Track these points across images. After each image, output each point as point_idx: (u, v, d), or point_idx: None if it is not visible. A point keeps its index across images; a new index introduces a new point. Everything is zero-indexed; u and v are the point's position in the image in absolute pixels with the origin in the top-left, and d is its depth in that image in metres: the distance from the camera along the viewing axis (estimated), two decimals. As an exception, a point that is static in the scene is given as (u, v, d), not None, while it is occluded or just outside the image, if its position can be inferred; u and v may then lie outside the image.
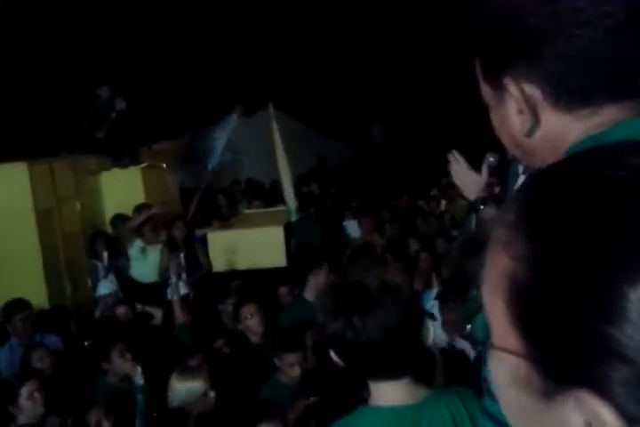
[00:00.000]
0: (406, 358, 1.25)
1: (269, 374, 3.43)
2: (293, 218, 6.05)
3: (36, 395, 3.20)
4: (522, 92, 0.86)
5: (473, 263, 1.71)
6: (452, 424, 1.24)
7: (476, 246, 1.73)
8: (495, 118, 0.95)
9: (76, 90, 6.76)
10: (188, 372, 2.99)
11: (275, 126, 6.38)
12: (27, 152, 5.83)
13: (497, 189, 2.43)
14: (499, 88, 0.90)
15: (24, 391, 3.18)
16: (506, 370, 0.44)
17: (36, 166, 5.48)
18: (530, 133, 0.89)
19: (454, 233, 5.98)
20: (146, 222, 5.61)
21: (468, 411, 1.25)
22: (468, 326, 0.78)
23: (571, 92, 0.84)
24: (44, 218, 5.41)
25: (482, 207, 2.37)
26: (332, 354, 1.28)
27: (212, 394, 2.90)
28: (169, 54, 8.64)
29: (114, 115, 6.38)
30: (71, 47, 7.45)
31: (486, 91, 0.94)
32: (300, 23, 9.51)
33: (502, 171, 2.53)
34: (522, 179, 2.29)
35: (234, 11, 8.91)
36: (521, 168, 2.39)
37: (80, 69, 7.22)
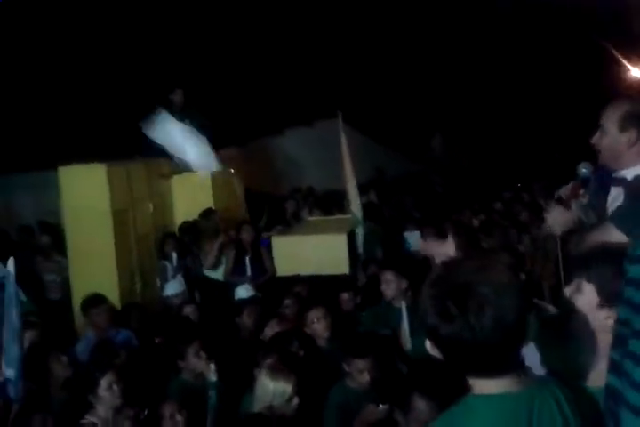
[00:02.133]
0: (517, 354, 1.28)
1: (335, 379, 3.45)
2: (360, 227, 6.02)
3: (115, 387, 3.32)
4: None
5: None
6: (558, 412, 1.27)
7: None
8: None
9: (152, 95, 7.01)
10: (280, 372, 3.00)
11: (343, 136, 6.41)
12: (105, 154, 6.08)
13: (582, 193, 2.42)
14: None
15: (103, 382, 3.30)
16: None
17: (114, 168, 5.69)
18: None
19: (520, 248, 5.89)
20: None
21: (566, 398, 1.29)
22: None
23: None
24: (120, 218, 5.60)
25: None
26: (433, 349, 1.29)
27: (295, 401, 2.91)
28: (238, 62, 8.86)
29: (192, 123, 6.55)
30: (147, 54, 7.75)
31: None
32: (361, 36, 9.60)
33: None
34: (615, 191, 2.26)
35: (301, 22, 9.07)
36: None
37: (155, 75, 7.49)
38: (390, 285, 4.05)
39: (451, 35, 9.83)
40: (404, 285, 3.97)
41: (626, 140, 2.17)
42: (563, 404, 1.28)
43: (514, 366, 1.27)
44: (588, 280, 1.57)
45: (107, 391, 3.32)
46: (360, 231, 5.99)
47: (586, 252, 1.72)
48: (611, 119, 2.19)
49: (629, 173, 2.19)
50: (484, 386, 1.27)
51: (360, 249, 5.90)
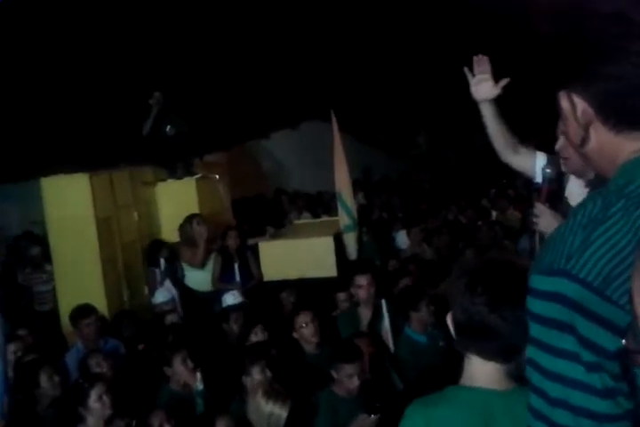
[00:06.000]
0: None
1: (323, 384, 3.44)
2: (352, 233, 5.86)
3: (105, 398, 3.32)
4: (573, 106, 0.91)
5: None
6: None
7: None
8: (563, 123, 0.99)
9: (132, 103, 6.99)
10: (276, 395, 2.92)
11: (337, 136, 6.25)
12: (88, 164, 6.06)
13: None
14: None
15: (93, 394, 3.30)
16: None
17: (97, 177, 5.67)
18: (582, 145, 0.94)
19: (507, 243, 5.93)
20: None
21: None
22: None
23: (618, 115, 0.89)
24: (104, 226, 5.58)
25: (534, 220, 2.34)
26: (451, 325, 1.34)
27: (284, 414, 2.85)
28: (222, 66, 8.84)
29: (172, 130, 6.51)
30: (127, 61, 7.72)
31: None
32: (344, 37, 9.61)
33: (560, 181, 2.48)
34: (584, 192, 2.24)
35: (284, 25, 9.07)
36: (579, 182, 2.35)
37: (135, 83, 7.46)
38: (363, 288, 4.13)
39: (433, 31, 9.85)
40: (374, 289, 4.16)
41: None
42: None
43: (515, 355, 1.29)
44: None
45: (97, 403, 3.32)
46: (352, 236, 5.84)
47: None
48: None
49: None
50: (475, 373, 1.31)
51: (353, 255, 5.82)
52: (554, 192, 2.33)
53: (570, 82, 0.91)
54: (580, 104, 0.91)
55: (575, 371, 0.92)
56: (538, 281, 0.96)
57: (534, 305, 0.97)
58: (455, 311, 1.29)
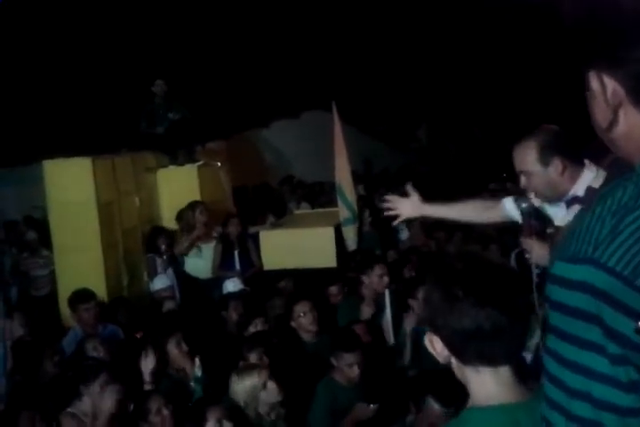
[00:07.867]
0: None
1: (321, 373, 3.45)
2: (351, 224, 5.82)
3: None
4: (603, 87, 0.89)
5: None
6: None
7: None
8: (590, 106, 0.95)
9: (135, 89, 6.96)
10: (244, 370, 3.00)
11: (337, 126, 6.19)
12: (90, 148, 6.04)
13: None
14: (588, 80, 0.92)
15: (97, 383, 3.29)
16: None
17: (99, 161, 5.64)
18: (609, 128, 0.90)
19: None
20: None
21: None
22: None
23: None
24: (106, 212, 5.57)
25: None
26: (438, 346, 1.22)
27: (271, 385, 2.91)
28: (223, 55, 8.81)
29: (176, 115, 6.50)
30: (131, 47, 7.68)
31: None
32: (346, 27, 9.58)
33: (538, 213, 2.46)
34: (572, 209, 2.20)
35: (286, 13, 9.03)
36: (562, 205, 2.32)
37: (139, 69, 7.43)
38: (383, 278, 4.15)
39: (436, 24, 9.82)
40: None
41: (556, 171, 2.19)
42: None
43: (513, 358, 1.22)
44: None
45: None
46: (351, 229, 5.80)
47: None
48: (528, 162, 2.22)
49: (579, 190, 2.19)
50: (483, 391, 1.20)
51: (352, 246, 5.80)
52: (537, 225, 2.36)
53: (601, 62, 0.88)
54: (611, 85, 0.88)
55: (599, 363, 0.89)
56: (562, 268, 0.93)
57: (556, 293, 0.94)
58: (453, 323, 1.16)
